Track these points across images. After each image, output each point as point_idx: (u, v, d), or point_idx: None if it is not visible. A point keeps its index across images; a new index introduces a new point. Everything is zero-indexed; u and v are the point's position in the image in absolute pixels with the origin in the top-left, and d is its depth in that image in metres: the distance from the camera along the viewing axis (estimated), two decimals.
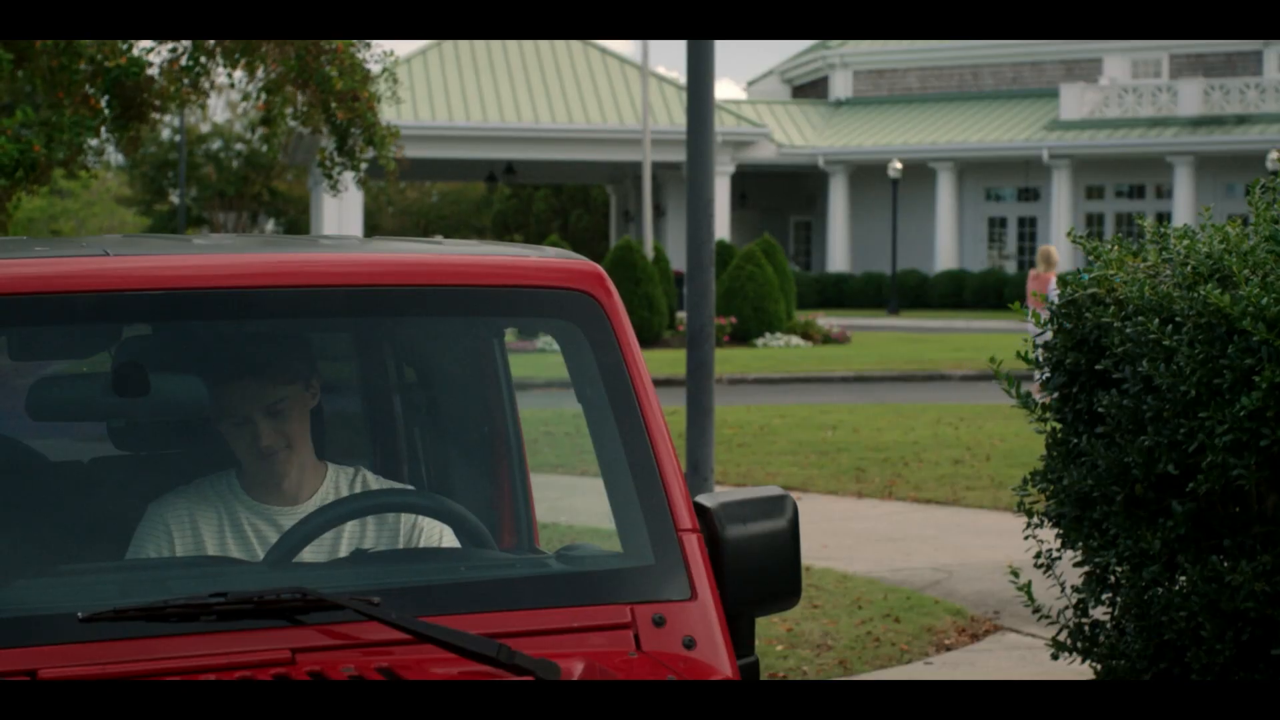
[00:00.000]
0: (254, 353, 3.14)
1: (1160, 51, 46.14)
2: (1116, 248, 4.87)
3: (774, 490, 2.96)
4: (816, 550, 10.09)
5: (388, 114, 16.32)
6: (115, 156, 51.51)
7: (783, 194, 51.20)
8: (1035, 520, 5.02)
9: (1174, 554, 4.53)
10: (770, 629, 8.00)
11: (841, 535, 10.87)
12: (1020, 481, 5.01)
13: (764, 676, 7.11)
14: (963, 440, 15.80)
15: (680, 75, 51.81)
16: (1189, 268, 4.49)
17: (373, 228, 55.48)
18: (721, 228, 40.41)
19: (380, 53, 14.19)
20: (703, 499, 2.92)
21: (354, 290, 2.96)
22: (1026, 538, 5.05)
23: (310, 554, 3.00)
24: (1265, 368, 4.10)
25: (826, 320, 34.14)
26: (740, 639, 2.93)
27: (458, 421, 3.83)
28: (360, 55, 13.77)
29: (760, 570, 2.89)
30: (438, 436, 3.81)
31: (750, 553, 2.88)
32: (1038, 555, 5.04)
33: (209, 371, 3.13)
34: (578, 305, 2.99)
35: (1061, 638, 5.05)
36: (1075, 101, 44.31)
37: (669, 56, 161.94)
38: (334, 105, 13.39)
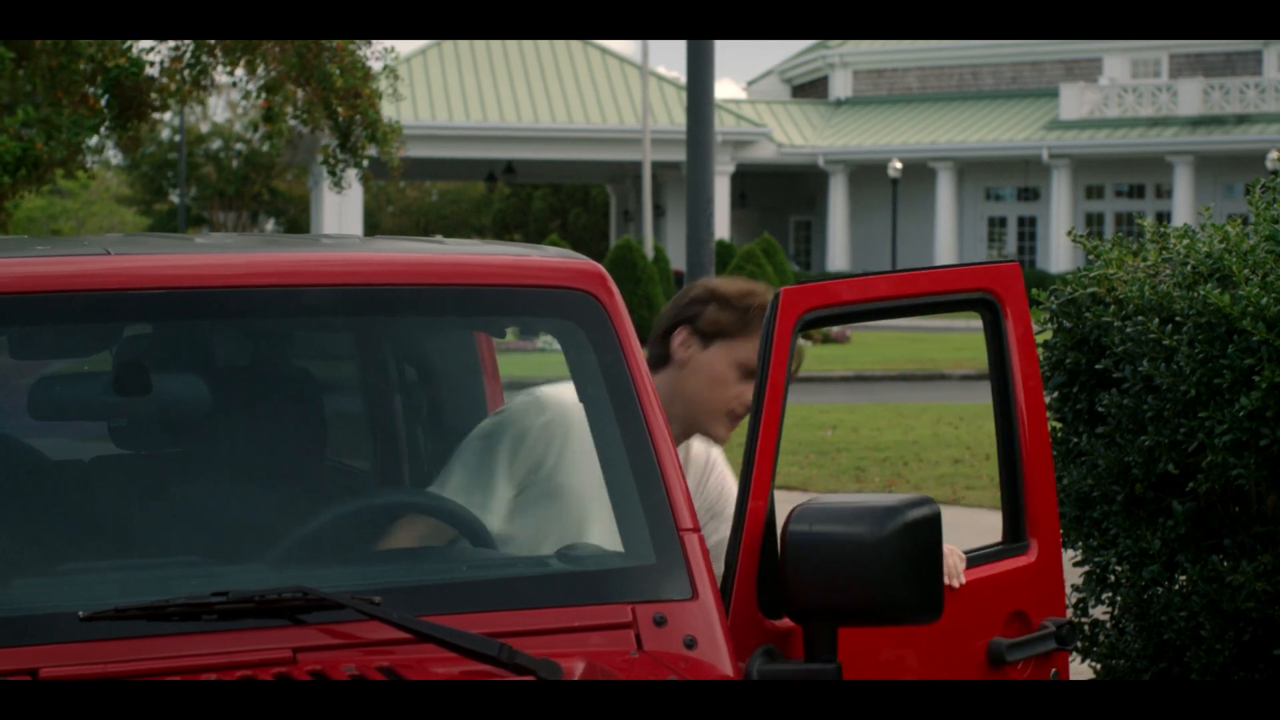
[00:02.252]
0: None
1: (1160, 51, 46.13)
2: (1116, 247, 4.87)
3: (906, 498, 2.80)
4: None
5: (388, 111, 16.29)
6: (115, 156, 51.55)
7: (782, 194, 51.18)
8: None
9: (1174, 554, 4.53)
10: None
11: None
12: None
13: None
14: (963, 440, 15.80)
15: (680, 75, 51.76)
16: (1189, 267, 4.48)
17: (372, 227, 55.44)
18: (721, 228, 40.40)
19: (381, 49, 14.21)
20: (804, 502, 2.84)
21: (355, 290, 2.96)
22: None
23: (311, 553, 2.99)
24: (1265, 368, 4.09)
25: None
26: (816, 645, 2.86)
27: (458, 420, 3.82)
28: (361, 52, 13.78)
29: (838, 578, 2.76)
30: (438, 435, 3.80)
31: (816, 558, 2.77)
32: None
33: None
34: (579, 305, 2.98)
35: None
36: (1075, 101, 44.29)
37: (669, 56, 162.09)
38: (335, 103, 13.40)
